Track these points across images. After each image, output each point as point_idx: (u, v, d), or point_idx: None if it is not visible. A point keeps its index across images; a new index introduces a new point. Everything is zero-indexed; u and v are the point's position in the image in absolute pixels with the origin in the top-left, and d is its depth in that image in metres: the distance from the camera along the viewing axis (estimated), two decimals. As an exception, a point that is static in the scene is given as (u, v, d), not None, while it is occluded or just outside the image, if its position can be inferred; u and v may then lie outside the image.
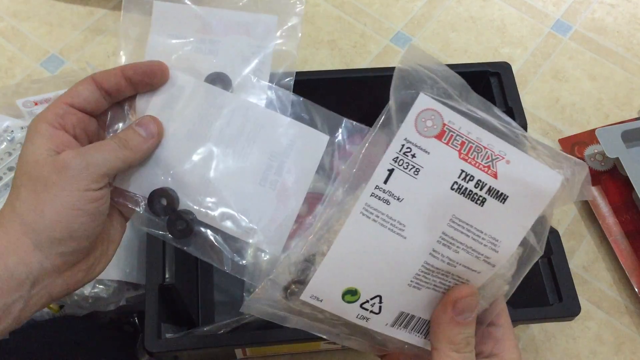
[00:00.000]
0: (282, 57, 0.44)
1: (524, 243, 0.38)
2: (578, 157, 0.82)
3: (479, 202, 0.36)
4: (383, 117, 0.36)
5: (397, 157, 0.35)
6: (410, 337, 0.40)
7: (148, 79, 0.40)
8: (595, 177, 0.81)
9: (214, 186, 0.41)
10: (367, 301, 0.37)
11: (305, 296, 0.37)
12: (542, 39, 0.95)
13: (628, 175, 0.75)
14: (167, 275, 0.57)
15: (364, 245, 0.36)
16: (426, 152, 0.35)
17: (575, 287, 0.59)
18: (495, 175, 0.36)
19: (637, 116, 0.88)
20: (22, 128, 0.72)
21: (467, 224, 0.36)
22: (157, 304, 0.56)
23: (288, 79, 0.44)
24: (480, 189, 0.36)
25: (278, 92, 0.43)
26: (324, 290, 0.37)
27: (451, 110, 0.35)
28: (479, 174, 0.35)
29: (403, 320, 0.39)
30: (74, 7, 0.94)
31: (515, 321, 0.60)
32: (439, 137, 0.35)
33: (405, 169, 0.35)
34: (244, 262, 0.41)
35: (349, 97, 0.65)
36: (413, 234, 0.36)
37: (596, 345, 0.73)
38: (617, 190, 0.80)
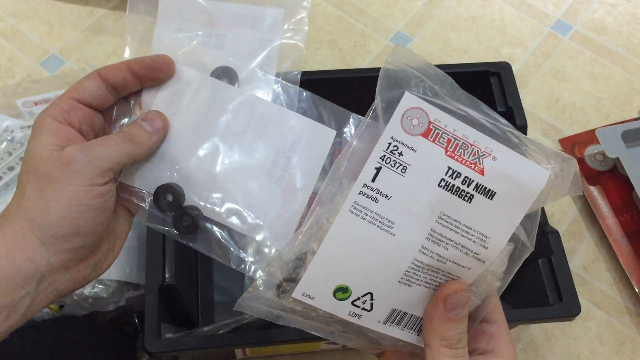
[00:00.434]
0: (289, 51, 0.44)
1: (514, 239, 0.38)
2: (578, 157, 0.83)
3: (466, 198, 0.36)
4: (369, 116, 0.36)
5: (385, 156, 0.35)
6: (403, 334, 0.40)
7: (154, 73, 0.40)
8: (595, 177, 0.81)
9: (220, 182, 0.41)
10: (359, 298, 0.37)
11: (297, 294, 0.37)
12: (542, 38, 0.95)
13: (628, 175, 0.75)
14: (167, 275, 0.57)
15: (353, 243, 0.36)
16: (413, 150, 0.35)
17: (576, 287, 0.59)
18: (482, 172, 0.36)
19: (637, 116, 0.88)
20: (22, 128, 0.72)
21: (456, 221, 0.36)
22: (157, 304, 0.56)
23: (295, 72, 0.44)
24: (468, 186, 0.36)
25: (285, 86, 0.43)
26: (315, 287, 0.37)
27: (437, 109, 0.36)
28: (466, 171, 0.36)
29: (395, 317, 0.39)
30: (74, 7, 0.94)
31: (515, 321, 0.60)
32: (426, 135, 0.35)
33: (393, 167, 0.35)
34: (250, 258, 0.41)
35: (349, 97, 0.65)
36: (402, 231, 0.36)
37: (596, 345, 0.73)
38: (617, 190, 0.80)
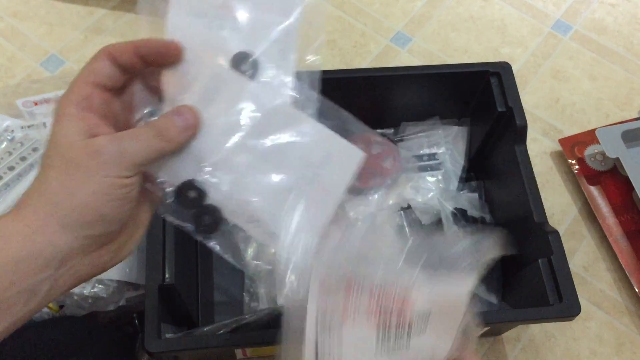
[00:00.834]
0: (307, 35, 0.43)
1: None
2: (578, 157, 0.83)
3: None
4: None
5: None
6: None
7: (162, 59, 0.39)
8: (595, 177, 0.81)
9: (245, 185, 0.40)
10: None
11: None
12: (542, 38, 0.95)
13: (628, 175, 0.75)
14: (167, 275, 0.57)
15: None
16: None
17: (576, 287, 0.59)
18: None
19: (637, 116, 0.88)
20: (22, 128, 0.72)
21: None
22: (157, 304, 0.56)
23: (315, 57, 0.42)
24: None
25: (304, 76, 0.41)
26: None
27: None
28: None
29: None
30: (74, 7, 0.94)
31: (515, 321, 0.60)
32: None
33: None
34: (267, 266, 0.41)
35: (349, 97, 0.65)
36: None
37: (596, 345, 0.73)
38: (617, 190, 0.80)
